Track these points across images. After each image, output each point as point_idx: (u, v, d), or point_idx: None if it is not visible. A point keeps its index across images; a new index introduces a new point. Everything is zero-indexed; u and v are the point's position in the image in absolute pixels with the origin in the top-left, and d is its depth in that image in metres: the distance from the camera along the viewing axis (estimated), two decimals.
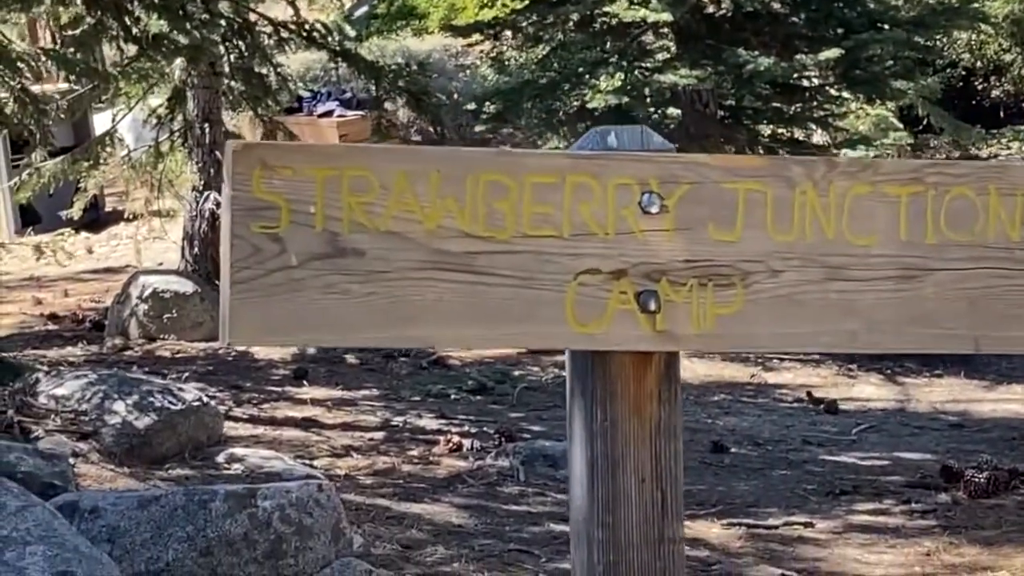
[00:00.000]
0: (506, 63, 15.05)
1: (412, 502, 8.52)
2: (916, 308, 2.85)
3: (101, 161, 14.83)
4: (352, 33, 18.30)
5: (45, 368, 10.64)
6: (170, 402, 8.86)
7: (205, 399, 9.22)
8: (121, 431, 8.68)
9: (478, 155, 2.74)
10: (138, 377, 9.48)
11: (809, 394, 11.91)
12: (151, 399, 8.84)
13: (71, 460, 8.24)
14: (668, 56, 12.94)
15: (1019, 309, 2.90)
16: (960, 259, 2.87)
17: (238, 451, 8.94)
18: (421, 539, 7.89)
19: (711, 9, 12.83)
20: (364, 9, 24.06)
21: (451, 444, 9.72)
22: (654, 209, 2.69)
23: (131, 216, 17.10)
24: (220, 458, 8.81)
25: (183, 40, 11.28)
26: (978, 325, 2.90)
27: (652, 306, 2.69)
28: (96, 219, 19.07)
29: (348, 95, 18.37)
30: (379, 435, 10.12)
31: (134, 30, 11.08)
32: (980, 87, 17.68)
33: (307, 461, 9.22)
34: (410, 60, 19.26)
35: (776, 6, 12.88)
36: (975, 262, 2.87)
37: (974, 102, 17.78)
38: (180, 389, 9.13)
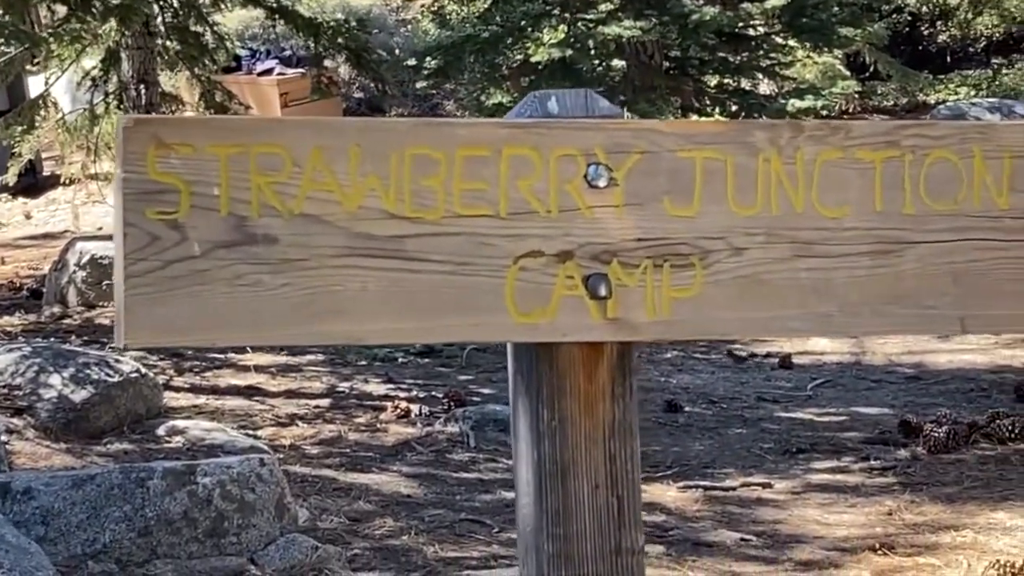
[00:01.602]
0: (448, 17, 14.77)
1: (359, 472, 8.31)
2: (895, 286, 2.59)
3: (36, 125, 14.51)
4: None
5: None
6: (107, 374, 8.65)
7: (143, 370, 8.98)
8: (57, 406, 8.46)
9: (402, 126, 2.46)
10: (74, 349, 9.24)
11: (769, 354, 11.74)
12: (87, 371, 8.63)
13: (4, 437, 7.98)
14: (612, 7, 12.68)
15: (1008, 284, 2.65)
16: (942, 230, 2.61)
17: (179, 423, 8.72)
18: (369, 511, 7.67)
19: None
20: None
21: (399, 410, 9.51)
22: (602, 183, 2.44)
23: (68, 180, 16.80)
24: (160, 431, 8.60)
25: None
26: (963, 303, 2.63)
27: (602, 291, 2.43)
28: (33, 184, 18.69)
29: (288, 53, 18.13)
30: (325, 402, 9.89)
31: None
32: (926, 32, 17.53)
33: (251, 431, 9.00)
34: (350, 16, 18.94)
35: None
36: (959, 233, 2.62)
37: (920, 48, 17.64)
38: (117, 360, 8.88)
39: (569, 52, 12.31)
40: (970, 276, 2.61)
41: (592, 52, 12.31)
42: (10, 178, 15.08)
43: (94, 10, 11.07)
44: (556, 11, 12.92)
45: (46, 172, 19.71)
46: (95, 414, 8.45)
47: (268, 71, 17.57)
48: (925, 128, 2.63)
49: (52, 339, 11.49)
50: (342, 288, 2.35)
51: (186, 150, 2.23)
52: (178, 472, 6.71)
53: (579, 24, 12.47)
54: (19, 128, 14.32)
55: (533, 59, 12.42)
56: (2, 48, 13.82)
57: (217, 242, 2.26)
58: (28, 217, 18.31)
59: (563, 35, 12.42)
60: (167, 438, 8.49)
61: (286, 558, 6.68)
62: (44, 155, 18.83)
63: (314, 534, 7.09)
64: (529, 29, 12.98)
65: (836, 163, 2.55)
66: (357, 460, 8.52)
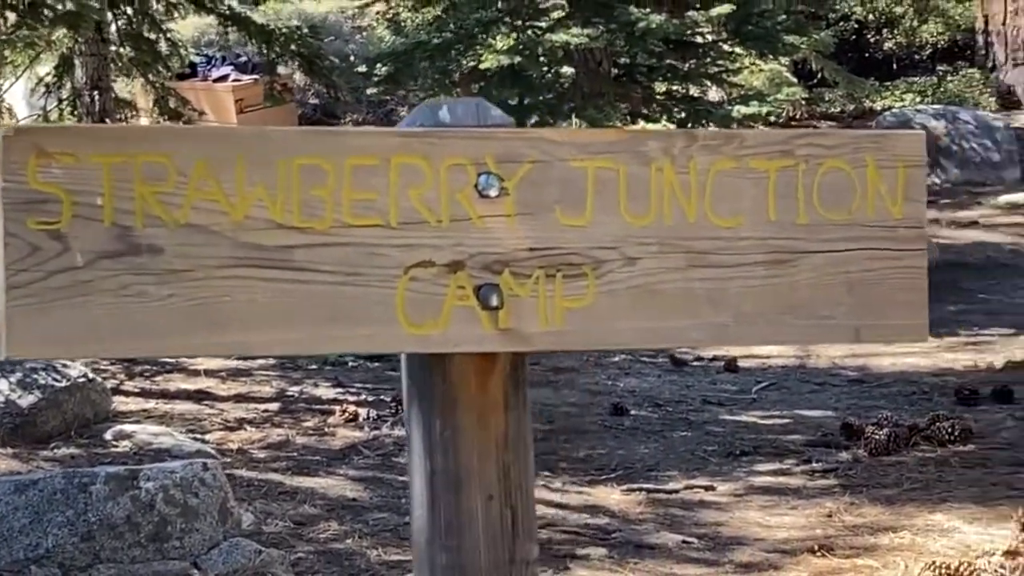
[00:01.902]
0: (402, 24, 14.69)
1: (306, 476, 8.26)
2: (790, 296, 2.54)
3: None
4: None
5: None
6: (54, 379, 8.60)
7: (91, 375, 8.91)
8: (4, 410, 8.41)
9: (290, 136, 2.38)
10: None
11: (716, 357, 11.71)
12: (35, 376, 8.57)
13: None
14: (560, 15, 12.63)
15: (901, 294, 2.60)
16: (837, 240, 2.55)
17: (127, 427, 8.67)
18: (314, 515, 7.63)
19: None
20: None
21: (347, 414, 9.47)
22: (493, 192, 2.37)
23: None
24: (108, 435, 8.55)
25: (62, 7, 10.87)
26: (858, 313, 2.58)
27: (494, 302, 2.36)
28: None
29: (243, 59, 18.04)
30: (274, 406, 9.83)
31: None
32: (872, 40, 17.57)
33: (199, 436, 8.94)
34: (305, 23, 18.90)
35: None
36: (853, 243, 2.57)
37: (867, 55, 17.67)
38: (65, 366, 8.79)
39: (518, 59, 12.25)
40: (865, 285, 2.56)
41: (541, 59, 12.26)
42: None
43: (43, 17, 10.93)
44: (506, 19, 12.83)
45: None
46: (42, 419, 8.39)
47: (223, 78, 17.51)
48: (819, 137, 2.58)
49: None
50: (230, 299, 2.28)
51: (68, 159, 2.16)
52: (121, 477, 6.67)
53: (528, 32, 12.40)
54: None
55: (483, 66, 12.35)
56: None
57: (100, 252, 2.19)
58: None
59: (513, 42, 12.35)
60: (114, 443, 8.44)
61: (229, 562, 6.65)
62: None
63: (258, 538, 7.05)
64: (480, 36, 12.91)
65: (730, 173, 2.49)
66: (304, 464, 8.46)
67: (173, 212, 2.24)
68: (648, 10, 12.23)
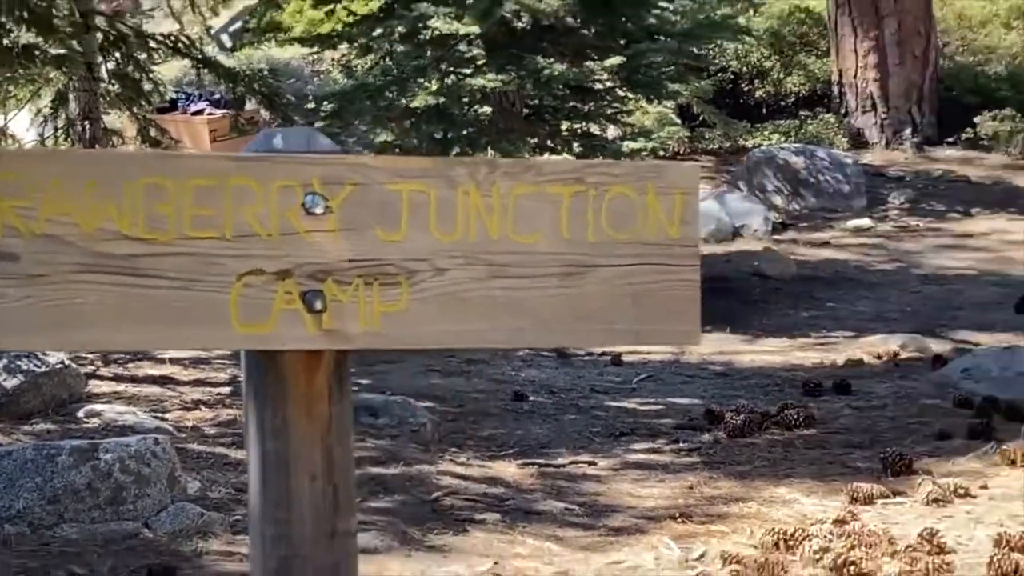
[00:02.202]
0: (353, 68, 14.56)
1: (246, 450, 8.16)
2: (581, 304, 2.51)
3: None
4: (212, 45, 18.01)
5: None
6: (35, 365, 8.55)
7: (67, 361, 8.82)
8: None
9: (135, 160, 2.38)
10: None
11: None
12: (19, 362, 8.51)
13: None
14: (480, 63, 12.56)
15: (678, 304, 2.56)
16: (622, 256, 2.52)
17: (97, 407, 8.60)
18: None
19: (514, 23, 12.47)
20: (239, 24, 23.60)
21: None
22: (318, 210, 2.35)
23: None
24: (80, 413, 8.51)
25: (53, 51, 10.75)
26: (640, 319, 2.55)
27: (318, 306, 2.35)
28: None
29: (217, 96, 17.92)
30: (226, 390, 9.71)
31: (5, 41, 10.58)
32: (746, 88, 17.60)
33: (159, 415, 8.85)
34: (271, 67, 18.82)
35: (569, 20, 12.59)
36: (637, 258, 2.54)
37: (741, 101, 17.71)
38: (45, 353, 8.70)
39: (443, 99, 12.20)
40: (646, 296, 2.53)
41: (463, 100, 12.21)
42: None
43: (36, 58, 10.79)
44: (435, 65, 12.76)
45: None
46: (24, 399, 8.34)
47: (200, 111, 17.40)
48: (608, 167, 2.58)
49: None
50: (83, 301, 2.23)
51: None
52: (83, 449, 6.73)
53: (453, 76, 12.32)
54: None
55: (413, 105, 12.28)
56: None
57: None
58: None
59: (439, 85, 12.29)
60: (86, 420, 8.37)
61: (175, 523, 6.68)
62: None
63: (203, 503, 6.97)
64: (413, 80, 12.84)
65: (529, 196, 2.46)
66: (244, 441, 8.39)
67: (30, 224, 2.20)
68: (552, 60, 12.19)
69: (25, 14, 9.98)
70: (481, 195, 2.42)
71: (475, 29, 12.35)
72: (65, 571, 6.01)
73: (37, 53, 10.55)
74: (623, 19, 12.59)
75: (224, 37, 23.05)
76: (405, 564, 6.47)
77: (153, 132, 14.34)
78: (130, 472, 6.67)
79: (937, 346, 11.27)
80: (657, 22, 12.95)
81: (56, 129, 14.00)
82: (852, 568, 6.09)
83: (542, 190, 2.43)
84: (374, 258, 2.38)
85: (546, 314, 2.46)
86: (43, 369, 8.46)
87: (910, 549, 6.34)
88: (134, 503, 6.63)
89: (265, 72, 14.60)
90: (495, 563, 6.54)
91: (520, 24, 12.48)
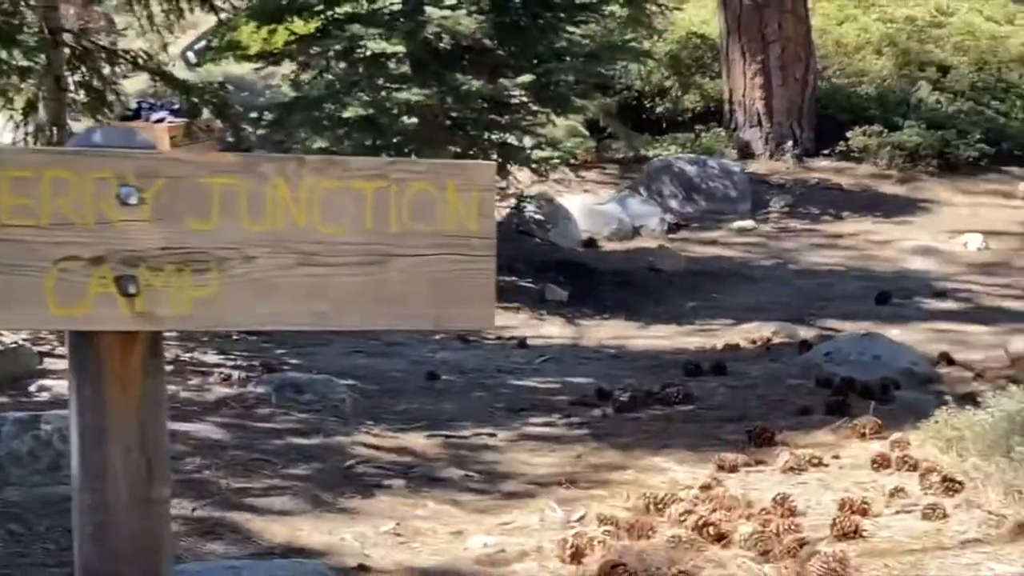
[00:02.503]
0: (301, 83, 14.38)
1: (183, 422, 8.00)
2: (382, 290, 2.42)
3: None
4: (177, 61, 17.84)
5: None
6: None
7: (21, 341, 8.66)
8: None
9: None
10: None
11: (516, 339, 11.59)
12: None
13: None
14: (405, 79, 12.45)
15: (473, 290, 2.48)
16: (422, 246, 2.42)
17: (48, 382, 8.45)
18: (184, 451, 7.39)
19: (436, 43, 12.38)
20: (203, 43, 23.35)
21: (223, 375, 9.25)
22: (132, 200, 2.27)
23: None
24: (32, 388, 8.38)
25: (23, 63, 10.54)
26: (439, 304, 2.46)
27: (131, 289, 2.26)
28: None
29: (177, 106, 17.66)
30: (169, 367, 9.52)
31: None
32: (648, 105, 17.59)
33: None
34: (228, 81, 18.62)
35: (486, 42, 12.49)
36: (436, 248, 2.44)
37: (644, 116, 17.67)
38: (1, 334, 8.54)
39: (372, 111, 12.07)
40: (444, 283, 2.45)
41: (391, 112, 12.09)
42: None
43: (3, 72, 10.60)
44: (366, 80, 12.64)
45: None
46: None
47: (161, 119, 17.17)
48: (410, 165, 2.51)
49: None
50: None
51: None
52: (25, 421, 6.61)
53: (382, 92, 12.19)
54: None
55: (345, 115, 12.14)
56: None
57: None
58: None
59: (369, 98, 12.16)
60: (36, 393, 8.23)
61: None
62: None
63: None
64: (344, 93, 12.70)
65: (334, 190, 2.37)
66: (184, 413, 8.20)
67: None
68: (470, 77, 12.12)
69: None
70: (289, 189, 2.32)
71: (401, 49, 12.27)
72: (5, 530, 5.88)
73: (3, 67, 10.27)
74: (533, 40, 12.49)
75: (190, 54, 22.82)
76: (315, 524, 6.38)
77: None
78: (67, 441, 6.53)
79: (805, 333, 11.25)
80: (566, 44, 12.88)
81: (27, 134, 13.76)
82: (712, 528, 6.05)
83: (348, 185, 2.35)
84: (186, 246, 2.29)
85: (349, 299, 2.38)
86: None
87: (764, 512, 6.32)
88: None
89: (216, 85, 14.43)
90: (397, 524, 6.45)
91: (442, 44, 12.40)
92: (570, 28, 13.01)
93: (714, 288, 13.17)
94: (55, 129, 13.50)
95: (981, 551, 5.82)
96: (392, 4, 12.70)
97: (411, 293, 2.41)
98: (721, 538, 5.98)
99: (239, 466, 7.20)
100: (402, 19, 12.44)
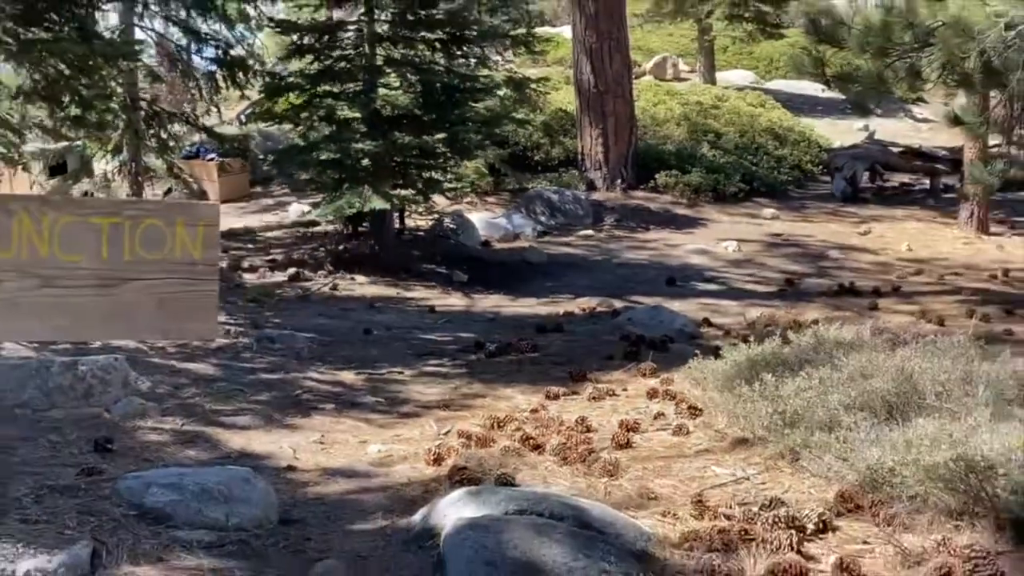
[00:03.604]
0: (310, 135, 13.70)
1: (189, 363, 7.51)
2: (116, 308, 1.95)
3: (80, 180, 13.49)
4: (232, 122, 17.13)
5: None
6: None
7: None
8: None
9: None
10: None
11: (432, 308, 11.09)
12: None
13: None
14: (361, 135, 11.88)
15: (198, 308, 2.03)
16: (152, 272, 1.96)
17: None
18: (185, 383, 6.89)
19: (383, 111, 11.86)
20: (250, 110, 22.48)
21: (224, 330, 8.67)
22: None
23: None
24: None
25: (92, 119, 9.94)
26: (167, 320, 1.99)
27: None
28: None
29: (218, 150, 16.92)
30: None
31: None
32: (530, 154, 17.13)
33: (140, 340, 8.07)
34: (261, 134, 17.85)
35: (417, 111, 11.97)
36: (165, 274, 1.98)
37: (527, 162, 17.18)
38: None
39: (339, 155, 11.54)
40: (171, 302, 1.98)
41: (352, 156, 11.55)
42: None
43: (85, 123, 9.98)
44: (336, 134, 12.07)
45: None
46: None
47: (213, 158, 16.41)
48: (143, 204, 2.07)
49: None
50: None
51: None
52: (68, 363, 6.10)
53: (345, 143, 11.67)
54: (70, 181, 13.29)
55: (321, 158, 11.56)
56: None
57: None
58: None
59: (336, 147, 11.60)
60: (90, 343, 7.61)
61: (125, 409, 6.10)
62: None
63: (148, 396, 6.30)
64: (322, 145, 12.10)
65: (73, 224, 1.90)
66: (191, 356, 7.70)
67: None
68: (405, 134, 11.59)
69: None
70: (33, 223, 1.86)
71: (358, 114, 11.73)
72: (47, 440, 5.36)
73: (84, 119, 9.68)
74: (448, 111, 11.98)
75: (243, 117, 21.93)
76: (266, 436, 5.93)
77: (176, 170, 13.54)
78: (97, 377, 6.04)
79: (618, 304, 10.87)
80: (470, 112, 12.37)
81: (116, 167, 13.15)
82: (531, 441, 5.67)
83: (85, 220, 1.89)
84: None
85: (87, 315, 1.93)
86: None
87: (568, 429, 5.93)
88: (99, 397, 6.01)
89: (242, 137, 13.82)
90: (322, 436, 6.02)
91: (386, 112, 11.85)
92: (472, 103, 12.50)
93: (563, 273, 12.76)
94: (134, 163, 12.90)
95: (709, 459, 5.47)
96: (356, 86, 12.16)
97: (142, 311, 1.98)
98: (537, 447, 5.60)
99: (221, 394, 6.70)
100: (361, 95, 11.89)
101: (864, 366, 5.72)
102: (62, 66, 8.28)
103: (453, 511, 4.11)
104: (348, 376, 7.56)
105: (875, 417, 5.14)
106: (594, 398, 6.76)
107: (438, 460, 5.41)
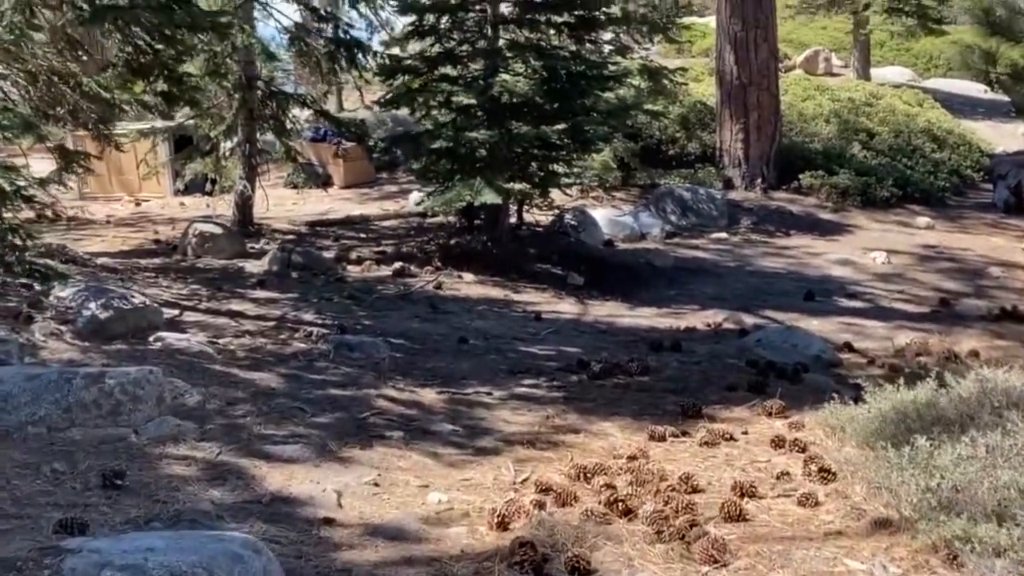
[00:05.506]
0: (435, 119, 12.93)
1: (254, 371, 6.59)
2: None
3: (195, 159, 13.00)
4: (373, 107, 16.51)
5: (79, 275, 8.59)
6: (124, 303, 7.01)
7: (148, 301, 7.30)
8: (89, 320, 6.76)
9: None
10: (109, 288, 7.47)
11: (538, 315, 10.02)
12: (113, 301, 7.01)
13: (44, 339, 6.27)
14: (477, 123, 10.92)
15: None
16: None
17: (164, 334, 7.02)
18: (240, 398, 5.95)
19: (501, 99, 10.89)
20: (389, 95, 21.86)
21: (306, 332, 7.74)
22: None
23: (209, 192, 15.10)
24: (151, 338, 6.90)
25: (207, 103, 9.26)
26: None
27: None
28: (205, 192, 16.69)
29: (345, 133, 16.31)
30: (271, 324, 8.12)
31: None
32: (664, 148, 15.87)
33: (213, 340, 7.24)
34: (393, 120, 17.08)
35: (538, 99, 10.90)
36: None
37: (660, 156, 15.94)
38: (133, 296, 7.19)
39: (452, 144, 10.60)
40: None
41: (465, 145, 10.59)
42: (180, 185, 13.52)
43: (174, 100, 9.30)
44: (448, 123, 11.13)
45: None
46: (112, 326, 6.84)
47: (337, 141, 15.77)
48: None
49: (172, 274, 9.74)
50: None
51: None
52: (93, 375, 5.25)
53: (461, 132, 10.69)
54: (181, 162, 12.82)
55: (433, 146, 10.63)
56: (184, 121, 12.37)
57: None
58: (208, 205, 16.39)
59: (452, 134, 10.65)
60: (152, 343, 6.81)
61: (157, 431, 5.19)
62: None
63: (190, 414, 5.39)
64: (436, 131, 11.19)
65: None
66: (259, 363, 6.80)
67: None
68: (522, 124, 10.53)
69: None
70: None
71: (474, 100, 10.72)
72: (49, 468, 4.50)
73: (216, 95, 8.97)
74: (570, 101, 10.86)
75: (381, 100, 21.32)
76: (312, 472, 4.94)
77: (292, 153, 12.87)
78: (127, 393, 5.18)
79: (748, 319, 9.56)
80: (593, 102, 11.22)
81: (229, 149, 12.60)
82: (621, 504, 4.56)
83: None
84: None
85: None
86: (129, 306, 6.97)
87: (669, 489, 4.78)
88: (128, 416, 5.14)
89: (358, 121, 13.06)
90: (378, 475, 5.00)
91: (505, 99, 10.80)
92: (599, 92, 11.33)
93: (690, 280, 11.51)
94: (247, 146, 12.28)
95: (841, 545, 4.23)
96: (476, 70, 11.16)
97: None
98: (627, 513, 4.51)
99: (276, 414, 5.75)
100: (479, 81, 10.88)
101: None
102: (151, 38, 7.54)
103: None
104: (428, 396, 6.53)
105: None
106: (707, 443, 5.57)
107: (503, 524, 4.33)
